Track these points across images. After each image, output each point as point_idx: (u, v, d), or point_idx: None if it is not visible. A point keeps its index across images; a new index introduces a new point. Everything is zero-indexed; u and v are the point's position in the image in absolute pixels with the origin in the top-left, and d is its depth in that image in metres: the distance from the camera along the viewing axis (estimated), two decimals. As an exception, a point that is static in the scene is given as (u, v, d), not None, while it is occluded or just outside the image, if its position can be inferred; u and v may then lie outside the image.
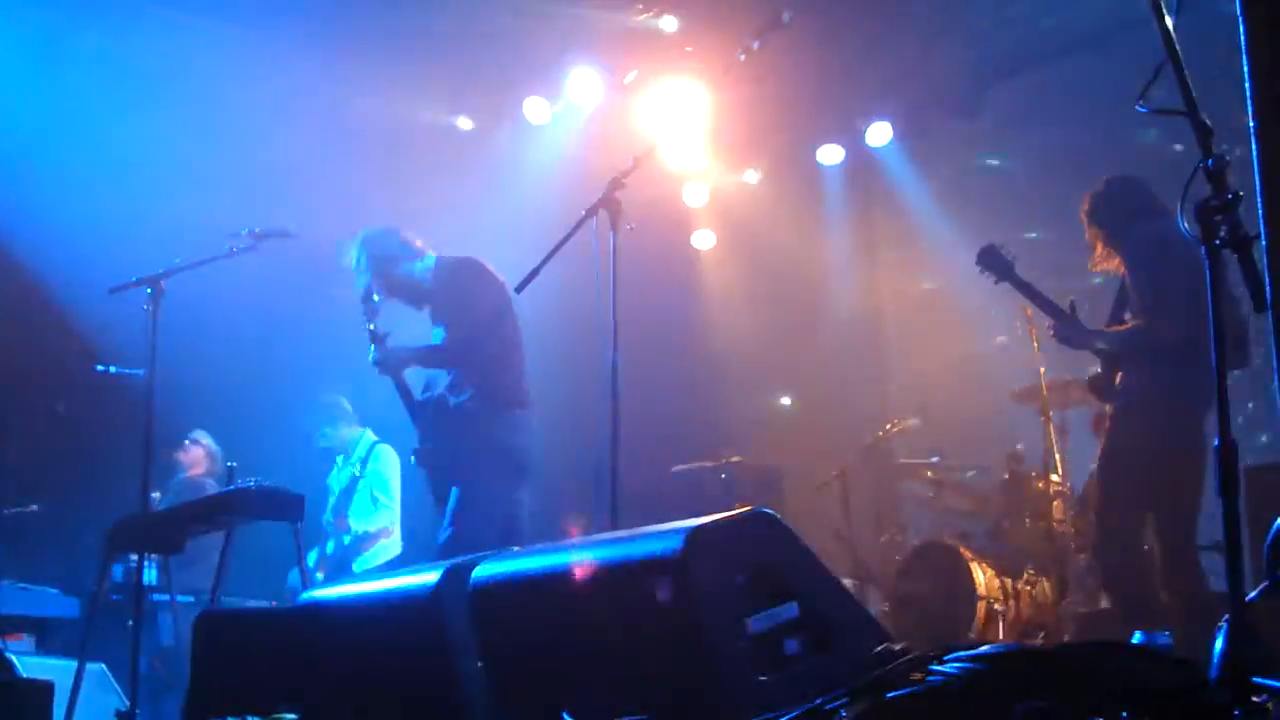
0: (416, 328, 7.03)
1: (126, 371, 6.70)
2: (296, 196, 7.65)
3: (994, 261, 7.02)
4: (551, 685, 3.65)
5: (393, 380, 6.83)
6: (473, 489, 6.59)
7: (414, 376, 6.93)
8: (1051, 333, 6.92)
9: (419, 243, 7.13)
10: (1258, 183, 2.72)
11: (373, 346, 6.78)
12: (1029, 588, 8.08)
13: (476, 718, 3.83)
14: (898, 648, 3.37)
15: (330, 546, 8.38)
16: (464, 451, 6.65)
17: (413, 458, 6.88)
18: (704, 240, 11.40)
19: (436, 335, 6.94)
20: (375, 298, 6.89)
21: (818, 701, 3.02)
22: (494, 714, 3.81)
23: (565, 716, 3.44)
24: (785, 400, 11.70)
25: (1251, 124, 2.76)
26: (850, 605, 3.83)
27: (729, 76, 8.28)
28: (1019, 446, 8.50)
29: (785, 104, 10.23)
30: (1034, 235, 9.78)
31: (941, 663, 3.03)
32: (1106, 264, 6.86)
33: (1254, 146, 2.75)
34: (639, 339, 5.77)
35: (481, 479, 6.62)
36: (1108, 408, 6.88)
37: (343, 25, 8.87)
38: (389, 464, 8.66)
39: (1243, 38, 2.82)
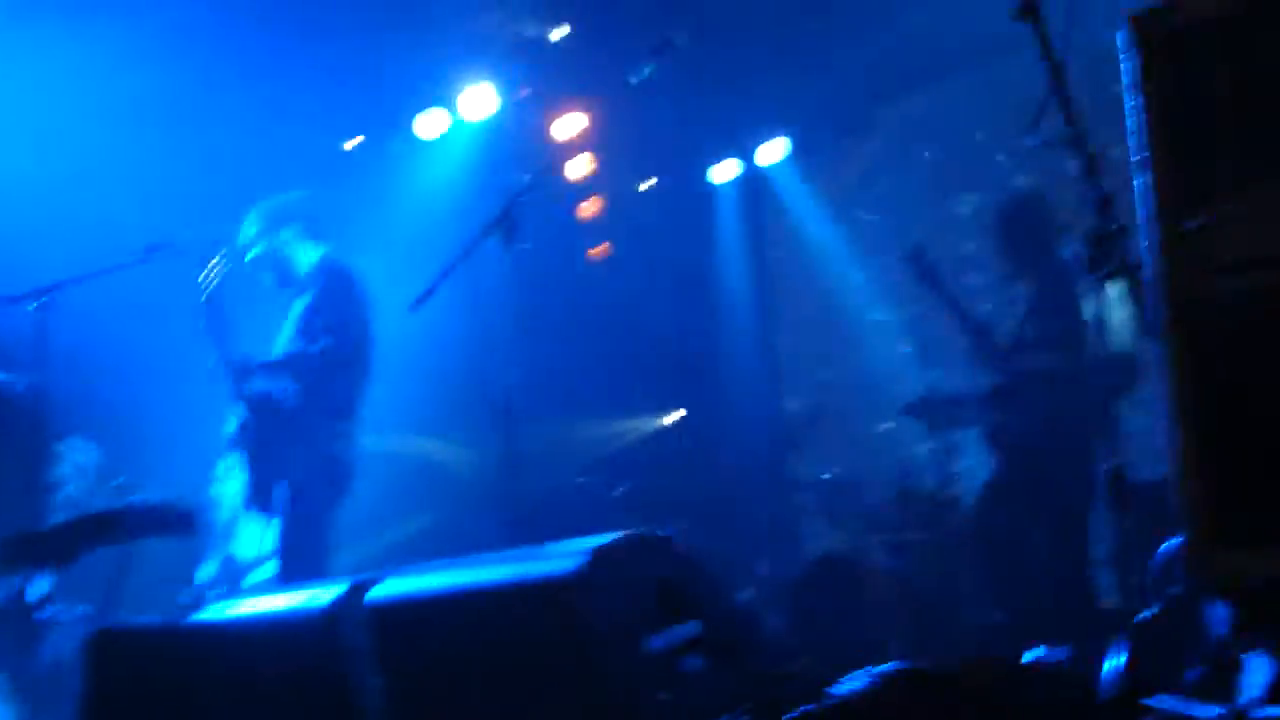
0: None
1: (13, 381, 6.59)
2: (190, 208, 7.53)
3: (919, 263, 7.07)
4: (451, 705, 3.65)
5: (214, 335, 6.62)
6: (299, 493, 6.53)
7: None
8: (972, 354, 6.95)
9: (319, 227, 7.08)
10: (1141, 215, 2.79)
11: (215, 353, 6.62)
12: (926, 599, 8.14)
13: (375, 737, 3.82)
14: (795, 668, 3.42)
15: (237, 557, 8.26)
16: (290, 454, 6.59)
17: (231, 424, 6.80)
18: (598, 252, 11.41)
19: (290, 322, 6.85)
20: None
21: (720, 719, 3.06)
22: (393, 733, 3.81)
23: (465, 736, 3.44)
24: (675, 416, 11.72)
25: (1134, 158, 2.83)
26: (749, 624, 3.88)
27: (622, 94, 8.31)
28: (910, 461, 8.59)
29: (678, 120, 10.28)
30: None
31: (840, 682, 3.07)
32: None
33: (1137, 180, 2.83)
34: (535, 354, 5.78)
35: (310, 485, 6.58)
36: None
37: (238, 40, 8.77)
38: None
39: (1125, 76, 2.89)
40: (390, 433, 9.33)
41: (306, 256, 6.99)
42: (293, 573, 6.31)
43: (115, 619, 6.05)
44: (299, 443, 6.57)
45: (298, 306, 6.89)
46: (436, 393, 9.73)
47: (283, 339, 6.87)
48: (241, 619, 4.43)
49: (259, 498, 6.51)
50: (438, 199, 9.64)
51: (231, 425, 6.72)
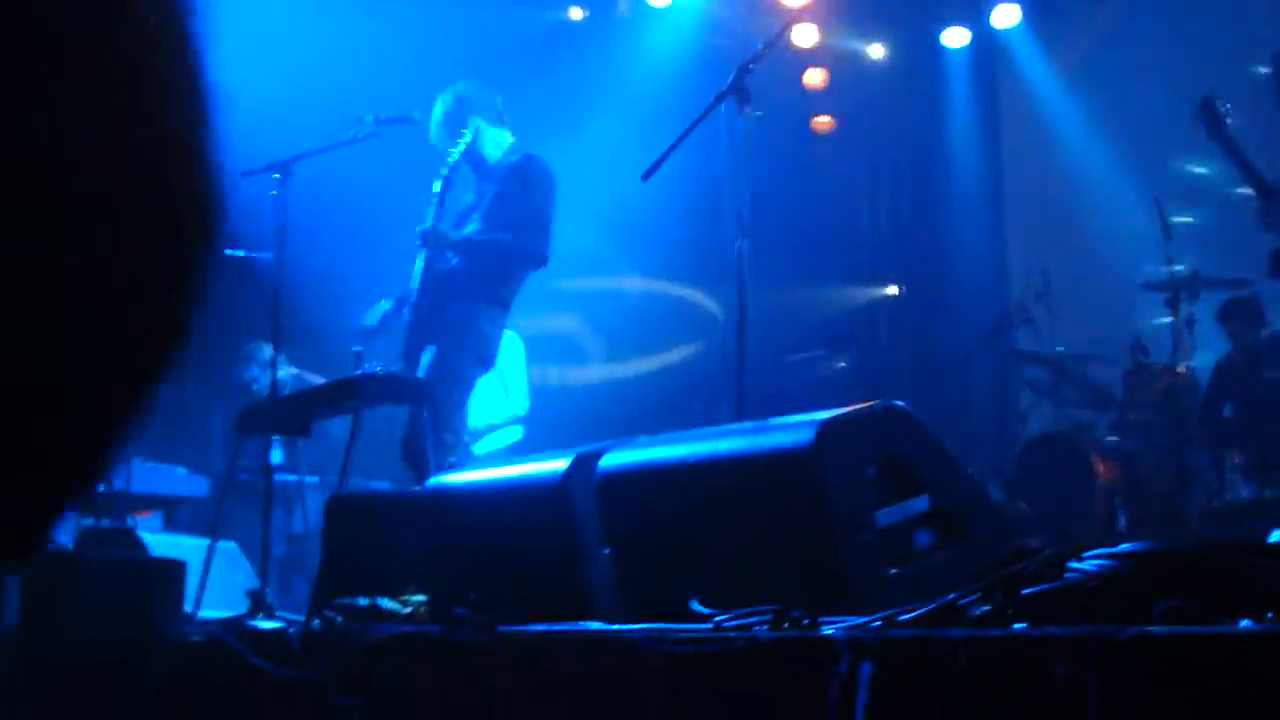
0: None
1: (255, 255, 6.76)
2: (416, 88, 7.61)
3: (1210, 114, 6.65)
4: (679, 574, 3.67)
5: (425, 255, 6.69)
6: (445, 376, 6.55)
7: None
8: (1259, 216, 6.48)
9: (505, 115, 7.07)
10: None
11: (431, 215, 6.66)
12: (1150, 480, 7.97)
13: (603, 604, 3.86)
14: (1033, 544, 3.34)
15: None
16: (449, 340, 6.62)
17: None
18: (823, 124, 11.25)
19: (477, 208, 6.88)
20: (453, 154, 6.79)
21: (951, 596, 3.00)
22: (621, 601, 3.84)
23: (694, 605, 3.45)
24: (899, 287, 11.57)
25: None
26: (982, 499, 3.81)
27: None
28: (1143, 337, 8.36)
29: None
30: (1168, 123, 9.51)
31: (1079, 560, 2.99)
32: None
33: None
34: (756, 223, 5.71)
35: (461, 359, 6.62)
36: None
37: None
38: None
39: None
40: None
41: (496, 144, 6.97)
42: (430, 445, 6.38)
43: (350, 486, 6.22)
44: (458, 319, 6.63)
45: (488, 193, 6.89)
46: (671, 263, 9.77)
47: (469, 222, 6.90)
48: (474, 486, 4.51)
49: (407, 361, 6.59)
50: (667, 67, 9.58)
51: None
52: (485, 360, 6.78)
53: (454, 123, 6.87)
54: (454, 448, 6.64)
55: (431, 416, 6.40)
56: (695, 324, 10.11)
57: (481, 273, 6.72)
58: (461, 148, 6.76)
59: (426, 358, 6.51)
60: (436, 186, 6.77)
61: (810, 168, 10.98)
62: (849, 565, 3.44)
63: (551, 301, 8.26)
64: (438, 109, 6.95)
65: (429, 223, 6.67)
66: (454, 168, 6.80)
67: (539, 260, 6.82)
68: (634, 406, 9.26)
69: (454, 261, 6.73)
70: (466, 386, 6.73)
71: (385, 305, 6.90)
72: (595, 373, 9.86)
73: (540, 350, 8.81)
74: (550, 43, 10.05)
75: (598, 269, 9.44)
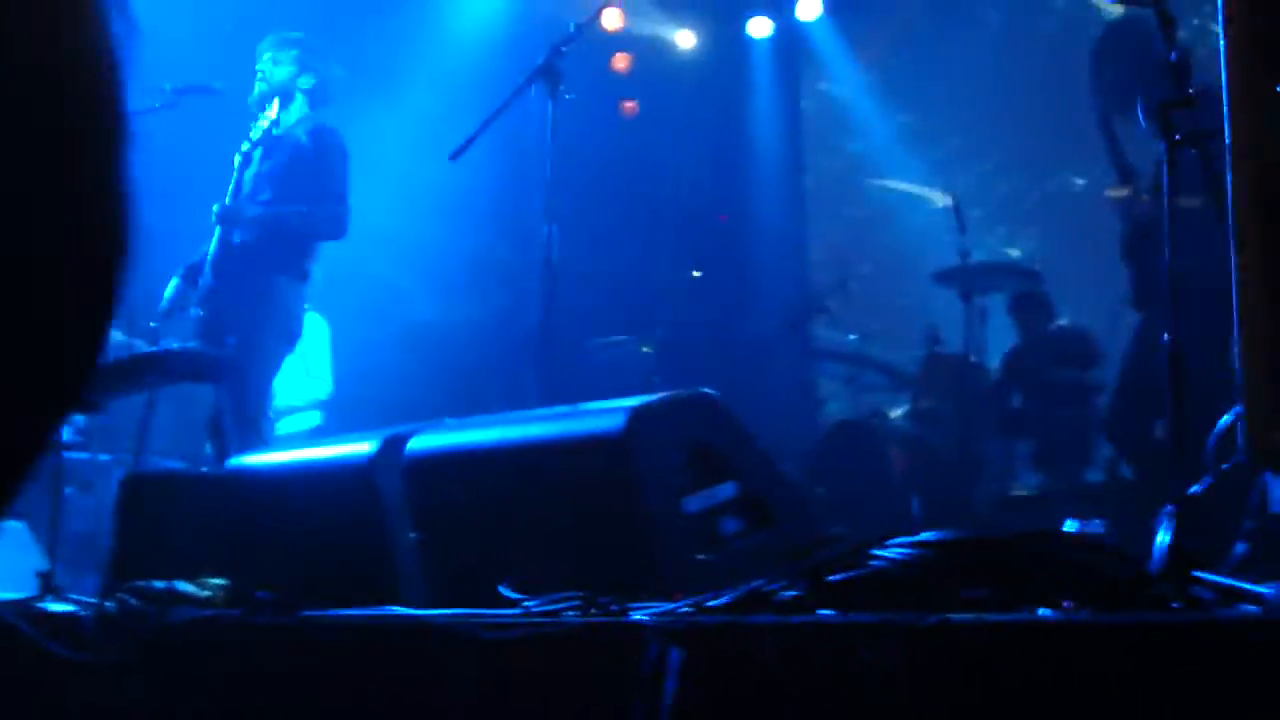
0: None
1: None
2: (214, 55, 7.41)
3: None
4: (488, 559, 3.65)
5: (220, 231, 6.50)
6: (252, 354, 6.47)
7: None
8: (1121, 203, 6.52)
9: (326, 89, 6.89)
10: (1225, 82, 2.71)
11: (231, 189, 6.50)
12: (944, 468, 8.16)
13: (410, 589, 3.82)
14: (836, 531, 3.40)
15: None
16: (251, 317, 6.51)
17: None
18: (629, 108, 11.27)
19: (265, 186, 6.73)
20: (257, 127, 6.62)
21: (759, 583, 3.03)
22: (428, 586, 3.81)
23: (501, 589, 3.44)
24: (702, 273, 11.65)
25: (1220, 23, 2.74)
26: (788, 487, 3.86)
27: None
28: (937, 326, 8.56)
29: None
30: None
31: (884, 547, 3.04)
32: None
33: (1221, 41, 2.74)
34: (563, 207, 5.70)
35: (266, 336, 6.53)
36: None
37: None
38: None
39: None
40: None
41: (299, 109, 6.82)
42: (233, 424, 6.28)
43: (145, 465, 6.06)
44: (259, 293, 6.52)
45: (279, 162, 6.71)
46: (476, 244, 9.70)
47: (261, 192, 6.74)
48: (277, 468, 4.42)
49: (206, 338, 6.44)
50: (477, 46, 9.50)
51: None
52: (291, 336, 6.66)
53: (285, 76, 6.70)
54: (262, 428, 6.51)
55: (238, 395, 6.27)
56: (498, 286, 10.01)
57: (280, 245, 6.58)
58: (266, 121, 6.60)
59: (229, 335, 6.36)
60: (237, 161, 6.62)
61: (615, 151, 11.00)
62: (658, 550, 3.45)
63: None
64: (284, 59, 6.75)
65: (228, 200, 6.52)
66: (256, 142, 6.65)
67: (337, 231, 6.69)
68: (435, 387, 9.19)
69: (250, 235, 6.57)
70: (274, 364, 6.60)
71: (175, 283, 6.72)
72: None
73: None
74: (361, 13, 9.90)
75: (403, 247, 9.32)
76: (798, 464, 8.92)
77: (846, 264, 9.78)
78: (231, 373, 6.09)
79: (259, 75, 6.69)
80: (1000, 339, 8.48)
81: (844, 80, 10.69)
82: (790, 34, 10.80)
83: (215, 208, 6.48)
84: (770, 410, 9.57)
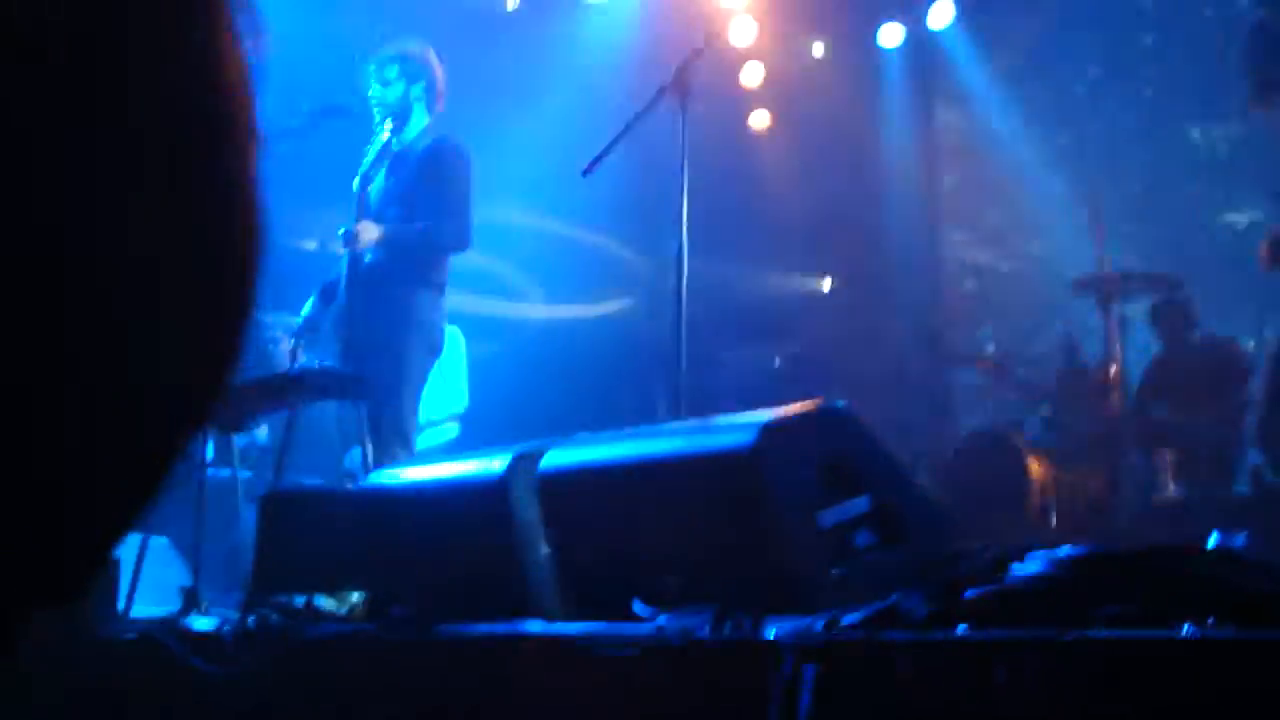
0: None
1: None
2: (345, 79, 7.53)
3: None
4: (621, 574, 3.65)
5: (347, 253, 6.53)
6: (401, 370, 6.50)
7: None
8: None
9: (441, 104, 6.92)
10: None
11: (354, 211, 6.56)
12: (1082, 479, 8.04)
13: (543, 605, 3.84)
14: (973, 546, 3.36)
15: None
16: (395, 333, 6.52)
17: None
18: (760, 121, 11.25)
19: (392, 202, 6.74)
20: (370, 150, 6.69)
21: (894, 598, 3.01)
22: (562, 601, 3.83)
23: (636, 604, 3.44)
24: (835, 284, 11.61)
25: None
26: (923, 499, 3.82)
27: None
28: (1074, 336, 8.44)
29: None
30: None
31: (1021, 562, 3.01)
32: None
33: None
34: (693, 220, 5.72)
35: (412, 350, 6.55)
36: None
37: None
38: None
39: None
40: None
41: (414, 126, 6.87)
42: (387, 439, 6.33)
43: (286, 482, 6.16)
44: (400, 308, 6.58)
45: (404, 178, 6.74)
46: (609, 258, 9.75)
47: (388, 207, 6.79)
48: (413, 484, 4.47)
49: (346, 358, 6.49)
50: (606, 63, 9.55)
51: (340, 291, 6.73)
52: (435, 348, 6.72)
53: (399, 93, 6.77)
54: (413, 443, 6.58)
55: (392, 411, 6.35)
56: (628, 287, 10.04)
57: (410, 259, 6.65)
58: (380, 141, 6.67)
59: (373, 354, 6.43)
60: (356, 183, 6.71)
61: (747, 163, 10.99)
62: (792, 566, 3.44)
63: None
64: (390, 76, 6.81)
65: (353, 217, 6.60)
66: (376, 161, 6.72)
67: (460, 245, 6.74)
68: (569, 398, 9.26)
69: (379, 253, 6.65)
70: (422, 377, 6.67)
71: (312, 301, 6.81)
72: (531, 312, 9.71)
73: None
74: (485, 31, 10.00)
75: (537, 260, 9.39)
76: (933, 475, 8.85)
77: (986, 272, 9.69)
78: (379, 390, 6.15)
79: (374, 102, 6.76)
80: (1142, 349, 8.35)
81: (978, 90, 10.57)
82: (922, 42, 10.71)
83: (340, 230, 6.56)
84: (906, 421, 9.51)
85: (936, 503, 3.90)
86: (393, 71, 6.74)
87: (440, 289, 6.75)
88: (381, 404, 6.24)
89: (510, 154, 8.40)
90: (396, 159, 6.74)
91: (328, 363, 6.22)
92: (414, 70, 6.77)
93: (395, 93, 6.72)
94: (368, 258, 6.59)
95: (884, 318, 10.67)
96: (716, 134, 9.64)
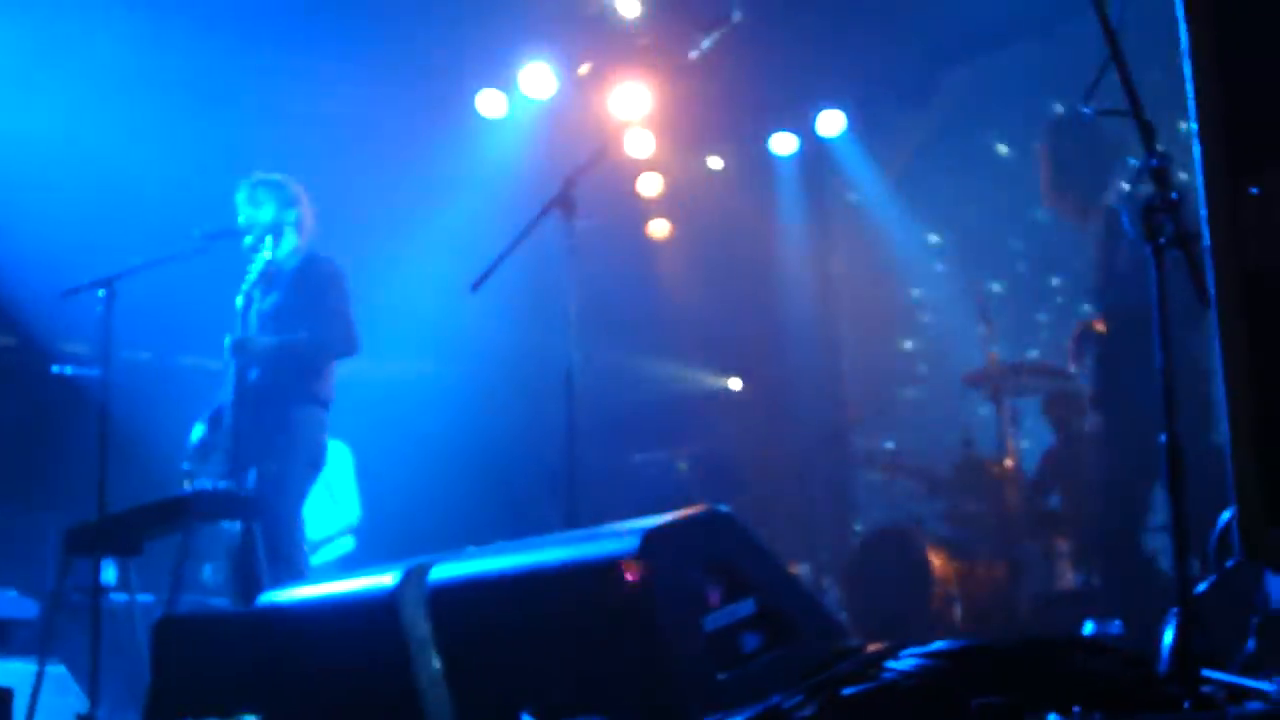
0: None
1: (82, 372, 6.68)
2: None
3: None
4: (511, 685, 3.68)
5: (235, 366, 6.62)
6: (281, 484, 6.58)
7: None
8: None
9: (308, 223, 7.05)
10: (1200, 183, 2.76)
11: (238, 325, 6.65)
12: (983, 571, 8.14)
13: (437, 717, 3.85)
14: (854, 644, 3.41)
15: None
16: (275, 448, 6.61)
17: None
18: (659, 229, 11.41)
19: (268, 302, 6.86)
20: (252, 270, 6.81)
21: (775, 700, 3.05)
22: (454, 714, 3.84)
23: (524, 716, 3.46)
24: (738, 386, 11.72)
25: (1193, 125, 2.80)
26: (807, 601, 3.87)
27: (682, 69, 8.31)
28: (969, 429, 8.56)
29: (737, 94, 10.26)
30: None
31: (896, 658, 3.06)
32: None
33: (1196, 146, 2.79)
34: (595, 329, 5.81)
35: (291, 467, 6.64)
36: None
37: (293, 11, 8.82)
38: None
39: (1184, 40, 2.86)
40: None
41: (289, 241, 6.96)
42: (267, 558, 6.34)
43: (179, 606, 6.13)
44: (280, 424, 6.63)
45: (277, 298, 6.88)
46: (499, 371, 9.80)
47: (265, 325, 6.86)
48: (304, 603, 4.48)
49: (234, 476, 6.52)
50: (501, 177, 9.65)
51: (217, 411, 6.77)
52: (316, 463, 6.77)
53: (271, 214, 6.87)
54: (298, 560, 6.58)
55: (270, 529, 6.34)
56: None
57: (292, 373, 6.70)
58: (261, 263, 6.74)
59: (254, 471, 6.46)
60: (239, 303, 6.76)
61: (647, 271, 11.13)
62: (678, 671, 3.47)
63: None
64: (263, 199, 6.93)
65: (237, 334, 6.64)
66: (256, 281, 6.79)
67: (348, 349, 6.83)
68: (467, 509, 9.28)
69: (264, 369, 6.69)
70: (302, 493, 6.71)
71: (200, 426, 6.83)
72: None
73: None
74: (384, 144, 10.09)
75: (429, 375, 9.43)
76: (837, 573, 8.92)
77: (881, 371, 9.83)
78: (259, 508, 6.16)
79: (245, 220, 6.85)
80: (1040, 438, 8.49)
81: (869, 194, 10.79)
82: (814, 150, 10.92)
83: (226, 341, 6.60)
84: (809, 519, 9.60)
85: (821, 603, 3.95)
86: (263, 194, 6.86)
87: (324, 404, 6.82)
88: (261, 522, 6.25)
89: (406, 263, 8.48)
90: (271, 277, 6.83)
91: (220, 485, 6.22)
92: (284, 195, 6.89)
93: (267, 215, 6.83)
94: (252, 375, 6.63)
95: (785, 418, 10.79)
96: (617, 242, 9.78)
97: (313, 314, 6.73)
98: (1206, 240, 2.78)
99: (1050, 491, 8.22)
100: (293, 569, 6.35)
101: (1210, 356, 2.78)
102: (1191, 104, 2.86)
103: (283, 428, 6.59)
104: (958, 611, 7.90)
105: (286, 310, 6.77)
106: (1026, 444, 8.30)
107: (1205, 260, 2.83)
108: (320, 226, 7.09)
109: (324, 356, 6.79)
